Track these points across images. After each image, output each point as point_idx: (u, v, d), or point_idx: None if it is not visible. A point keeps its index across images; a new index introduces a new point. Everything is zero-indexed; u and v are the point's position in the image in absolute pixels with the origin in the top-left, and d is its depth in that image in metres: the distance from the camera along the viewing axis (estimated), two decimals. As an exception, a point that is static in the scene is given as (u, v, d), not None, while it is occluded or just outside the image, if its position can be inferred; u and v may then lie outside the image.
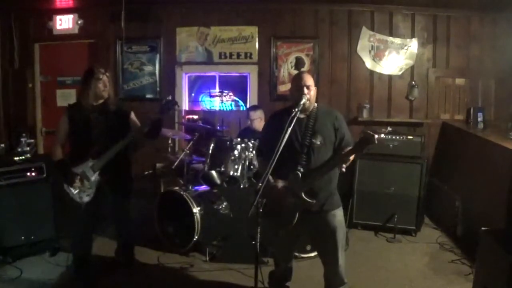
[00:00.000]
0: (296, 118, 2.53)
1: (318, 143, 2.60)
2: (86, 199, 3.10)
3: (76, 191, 3.07)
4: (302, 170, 2.58)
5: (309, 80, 2.68)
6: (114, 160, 3.11)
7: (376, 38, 5.42)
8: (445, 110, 5.47)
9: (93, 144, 3.11)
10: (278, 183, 2.64)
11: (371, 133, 2.36)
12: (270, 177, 2.58)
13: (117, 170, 3.19)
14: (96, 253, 3.58)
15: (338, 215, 2.72)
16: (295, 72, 5.44)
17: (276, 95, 5.56)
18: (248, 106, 5.44)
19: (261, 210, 2.44)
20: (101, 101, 3.17)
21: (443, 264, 3.73)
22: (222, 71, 5.68)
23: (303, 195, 2.53)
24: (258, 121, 4.48)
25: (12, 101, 5.75)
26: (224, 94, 5.70)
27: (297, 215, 2.56)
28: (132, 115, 3.31)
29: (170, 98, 3.19)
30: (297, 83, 2.69)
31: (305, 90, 2.63)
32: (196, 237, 3.77)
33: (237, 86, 5.73)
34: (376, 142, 2.35)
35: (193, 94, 5.83)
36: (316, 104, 2.75)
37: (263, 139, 2.95)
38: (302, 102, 2.58)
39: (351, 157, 2.53)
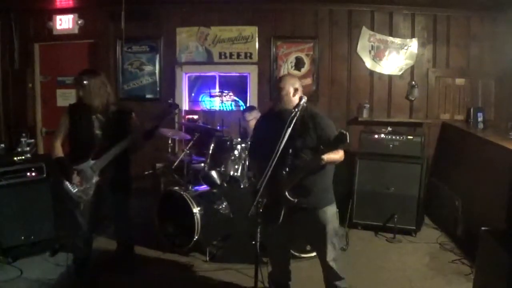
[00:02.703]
0: (281, 120, 2.62)
1: (299, 145, 2.65)
2: (85, 198, 3.10)
3: (75, 190, 3.07)
4: (287, 169, 2.65)
5: (281, 82, 2.77)
6: (113, 160, 3.11)
7: (376, 38, 5.42)
8: (445, 110, 5.47)
9: (93, 145, 3.11)
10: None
11: (344, 132, 2.38)
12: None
13: (116, 170, 3.19)
14: (96, 253, 3.58)
15: (329, 211, 2.78)
16: (295, 72, 5.48)
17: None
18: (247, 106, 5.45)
19: (261, 210, 2.48)
20: (101, 102, 3.15)
21: (443, 264, 3.73)
22: (222, 71, 5.68)
23: (286, 194, 2.61)
24: (254, 121, 4.49)
25: (12, 101, 5.75)
26: (224, 94, 5.70)
27: (282, 213, 2.65)
28: (133, 117, 3.30)
29: (172, 101, 3.20)
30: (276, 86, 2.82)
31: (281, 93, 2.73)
32: (196, 237, 3.76)
33: (237, 86, 5.73)
34: (348, 141, 2.38)
35: (193, 94, 5.83)
36: (305, 106, 2.69)
37: (253, 140, 3.04)
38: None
39: (332, 157, 2.58)
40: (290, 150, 2.64)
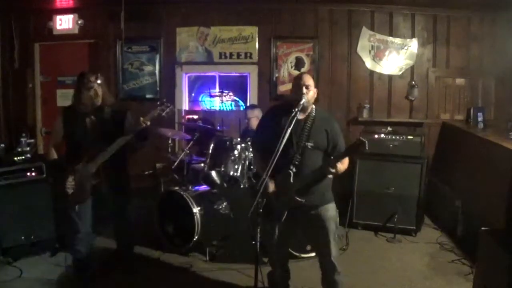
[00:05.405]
0: (295, 118, 2.58)
1: (310, 146, 2.67)
2: (81, 200, 3.09)
3: (72, 191, 3.06)
4: (294, 170, 2.66)
5: (308, 80, 2.74)
6: (110, 160, 3.10)
7: (376, 38, 5.42)
8: (445, 110, 5.47)
9: (88, 148, 3.09)
10: (271, 182, 2.70)
11: (364, 140, 2.40)
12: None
13: (114, 170, 3.18)
14: (96, 253, 3.57)
15: (330, 209, 2.82)
16: (295, 72, 5.46)
17: (276, 95, 5.56)
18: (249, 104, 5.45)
19: (261, 210, 2.49)
20: (96, 104, 3.14)
21: (443, 264, 3.73)
22: (222, 71, 5.68)
23: (293, 194, 2.63)
24: (255, 120, 4.49)
25: (12, 101, 5.75)
26: (224, 94, 5.70)
27: (286, 213, 2.67)
28: (129, 115, 3.27)
29: (164, 100, 3.23)
30: (297, 83, 2.75)
31: (304, 90, 2.68)
32: (196, 237, 3.76)
33: (237, 86, 5.73)
34: (367, 149, 2.40)
35: (193, 94, 5.83)
36: (314, 107, 2.79)
37: (258, 132, 2.98)
38: (302, 102, 2.62)
39: (342, 166, 2.62)
40: (300, 150, 2.66)
